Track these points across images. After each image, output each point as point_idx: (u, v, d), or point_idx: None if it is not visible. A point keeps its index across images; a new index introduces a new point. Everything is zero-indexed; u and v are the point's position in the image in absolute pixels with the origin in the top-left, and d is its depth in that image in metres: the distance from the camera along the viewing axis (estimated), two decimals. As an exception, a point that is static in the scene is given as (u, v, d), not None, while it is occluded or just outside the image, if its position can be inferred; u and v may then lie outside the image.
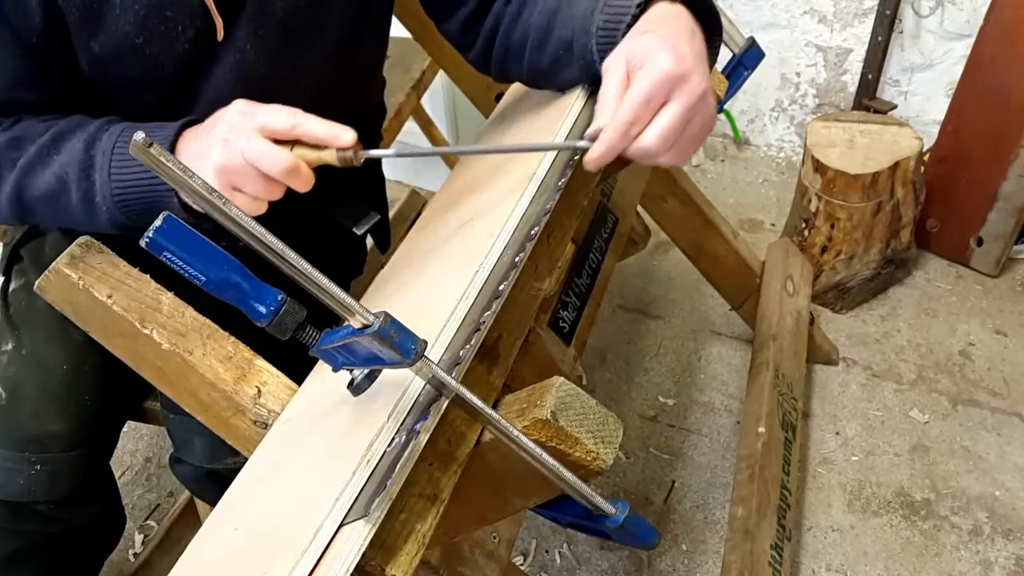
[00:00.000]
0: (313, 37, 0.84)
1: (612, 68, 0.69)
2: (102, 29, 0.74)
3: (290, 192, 0.99)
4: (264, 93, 0.83)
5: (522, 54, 0.85)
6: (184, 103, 0.81)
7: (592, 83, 0.83)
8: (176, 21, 0.76)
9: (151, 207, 0.70)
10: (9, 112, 0.76)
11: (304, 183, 0.68)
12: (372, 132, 1.14)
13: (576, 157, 0.75)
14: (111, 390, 0.93)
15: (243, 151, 0.65)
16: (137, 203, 0.71)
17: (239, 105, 0.68)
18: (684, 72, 0.65)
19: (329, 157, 0.68)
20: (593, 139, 0.68)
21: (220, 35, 0.78)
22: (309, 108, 0.87)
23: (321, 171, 1.06)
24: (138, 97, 0.79)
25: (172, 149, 0.69)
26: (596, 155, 0.68)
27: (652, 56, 0.66)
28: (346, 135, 0.67)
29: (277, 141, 0.66)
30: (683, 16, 0.72)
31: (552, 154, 0.75)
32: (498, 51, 0.89)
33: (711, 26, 0.76)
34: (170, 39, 0.77)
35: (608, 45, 0.75)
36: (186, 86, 0.80)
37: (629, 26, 0.73)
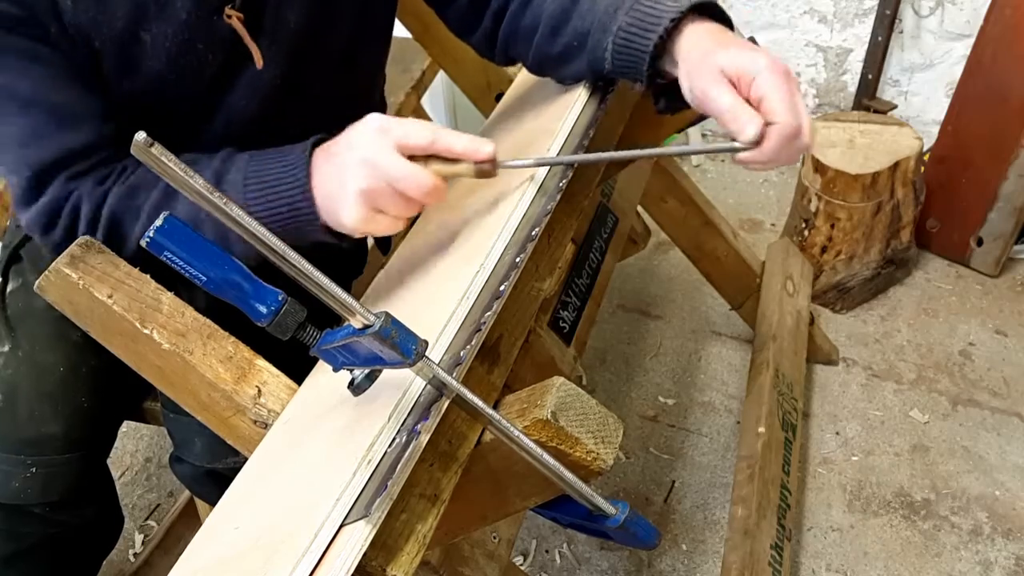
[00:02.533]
0: (322, 45, 0.84)
1: (712, 86, 0.69)
2: (135, 70, 0.75)
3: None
4: (274, 102, 0.83)
5: (531, 39, 0.85)
6: (200, 118, 0.82)
7: (595, 80, 0.83)
8: (207, 51, 0.77)
9: (291, 232, 0.69)
10: (98, 160, 0.75)
11: (442, 198, 0.67)
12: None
13: (577, 156, 0.75)
14: (108, 392, 0.93)
15: (386, 174, 0.64)
16: (278, 228, 0.68)
17: (376, 121, 0.66)
18: (779, 61, 0.68)
19: (465, 170, 0.67)
20: (754, 140, 0.66)
21: (259, 63, 0.79)
22: (315, 111, 0.87)
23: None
24: (159, 119, 0.79)
25: (308, 172, 0.68)
26: (766, 155, 0.67)
27: (753, 60, 0.67)
28: (485, 148, 0.66)
29: (411, 157, 0.65)
30: (728, 31, 0.74)
31: (553, 154, 0.75)
32: (504, 34, 0.89)
33: None
34: (200, 69, 0.77)
35: (626, 47, 0.76)
36: (206, 104, 0.81)
37: (661, 38, 0.73)
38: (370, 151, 0.64)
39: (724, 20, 0.76)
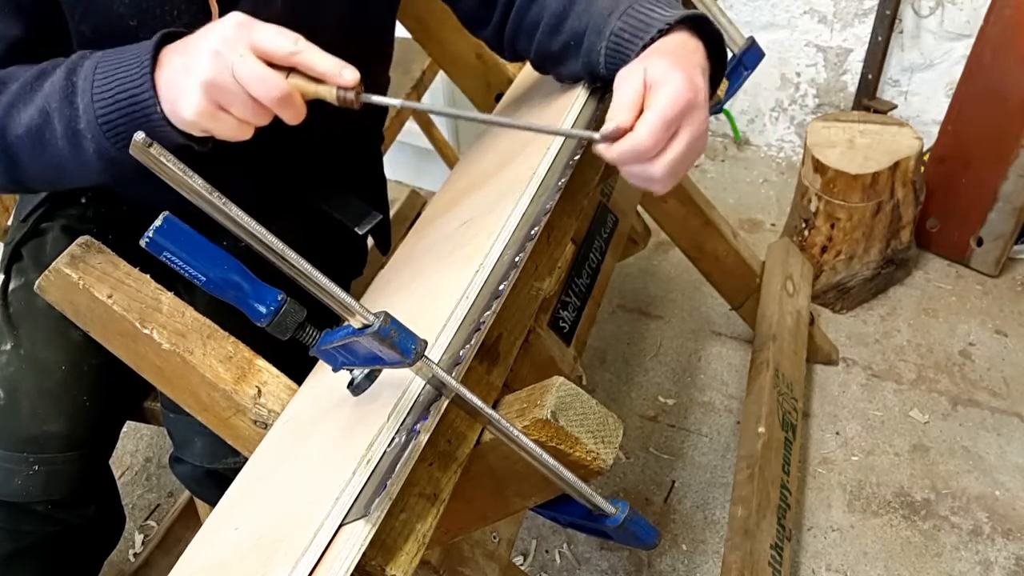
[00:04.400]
0: (311, 31, 0.84)
1: (629, 77, 0.69)
2: (95, 11, 0.74)
3: (293, 190, 0.99)
4: None
5: (533, 34, 0.86)
6: None
7: (591, 81, 0.83)
8: (172, 5, 0.75)
9: (137, 125, 0.65)
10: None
11: (296, 115, 0.64)
12: (375, 130, 1.14)
13: (577, 156, 0.76)
14: (110, 391, 0.93)
15: (234, 68, 0.61)
16: (122, 121, 0.66)
17: (236, 16, 0.63)
18: (698, 103, 0.67)
19: (327, 93, 0.64)
20: (608, 137, 0.67)
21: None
22: (310, 105, 0.86)
23: (324, 170, 1.06)
24: None
25: (155, 62, 0.64)
26: (611, 156, 0.68)
27: (671, 79, 0.67)
28: (349, 73, 0.64)
29: (271, 65, 0.62)
30: (699, 53, 0.73)
31: (552, 154, 0.75)
32: (511, 27, 0.89)
33: (716, 66, 0.77)
34: (164, 23, 0.75)
35: (617, 52, 0.76)
36: None
37: (646, 45, 0.73)
38: (222, 44, 0.61)
39: (714, 36, 0.76)
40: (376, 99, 0.66)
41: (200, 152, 0.69)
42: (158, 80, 0.64)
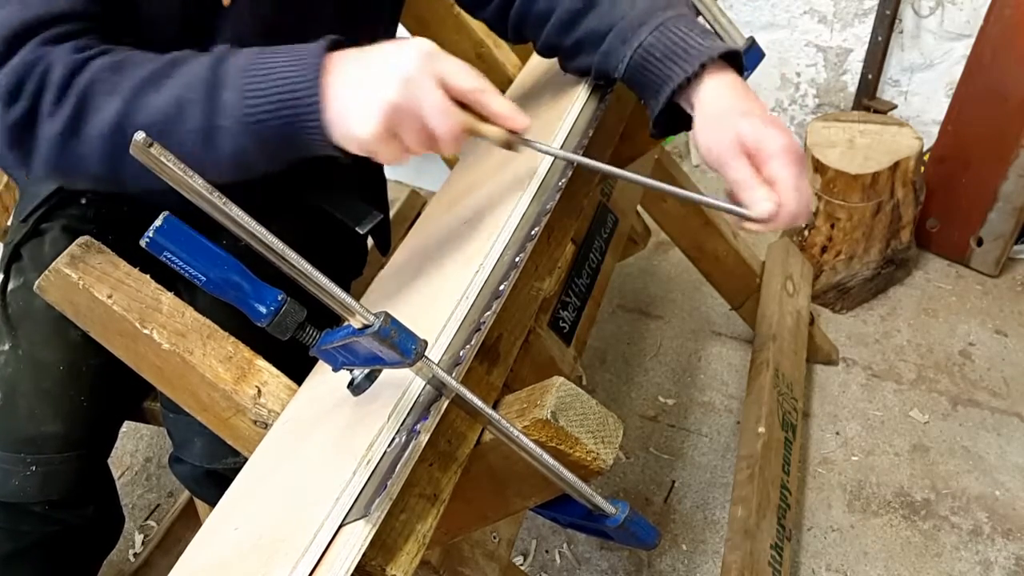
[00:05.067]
0: (311, 18, 0.83)
1: (728, 152, 0.70)
2: None
3: (293, 189, 0.99)
4: None
5: (542, 25, 0.85)
6: None
7: (597, 78, 0.83)
8: None
9: (288, 127, 0.63)
10: (80, 29, 0.67)
11: (455, 151, 0.64)
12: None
13: (577, 156, 0.75)
14: (108, 391, 0.93)
15: (422, 98, 0.60)
16: (273, 121, 0.62)
17: (425, 45, 0.62)
18: (794, 142, 0.70)
19: (492, 134, 0.65)
20: (765, 220, 0.69)
21: (226, 1, 0.75)
22: None
23: (324, 170, 1.06)
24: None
25: (321, 65, 0.62)
26: (768, 228, 0.70)
27: (775, 141, 0.69)
28: (522, 119, 0.65)
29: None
30: (742, 82, 0.75)
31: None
32: (516, 14, 0.89)
33: None
34: (167, 7, 0.74)
35: (644, 67, 0.76)
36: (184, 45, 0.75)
37: (688, 79, 0.74)
38: (413, 70, 0.60)
39: (740, 68, 0.77)
40: (538, 145, 0.68)
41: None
42: (326, 86, 0.62)
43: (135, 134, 0.46)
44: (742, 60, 0.76)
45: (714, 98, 0.73)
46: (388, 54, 0.62)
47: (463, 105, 0.64)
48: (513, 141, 0.66)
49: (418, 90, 0.61)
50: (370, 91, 0.61)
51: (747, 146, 0.70)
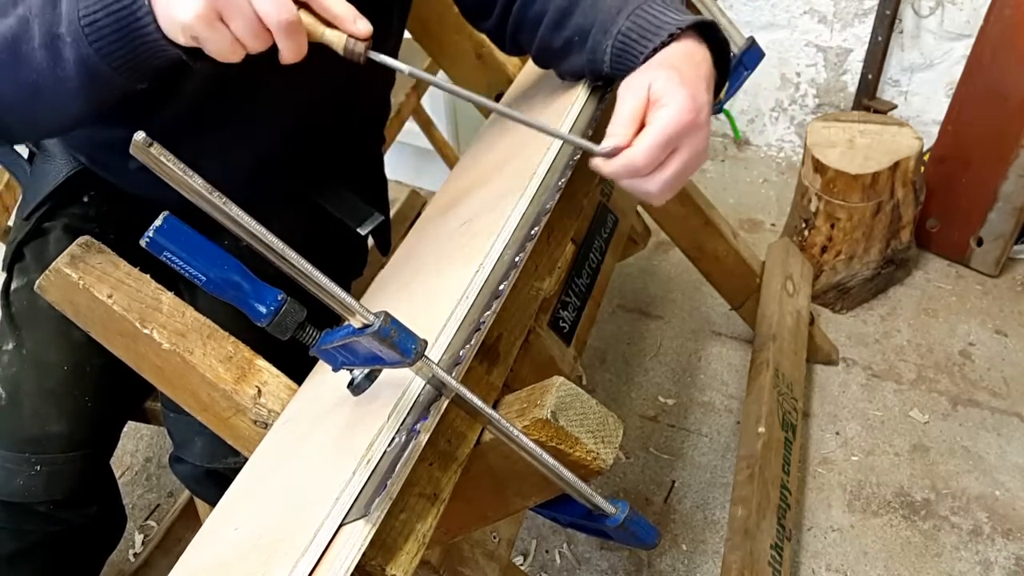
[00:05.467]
0: None
1: (632, 91, 0.69)
2: None
3: (294, 189, 0.99)
4: (269, 64, 0.80)
5: (536, 29, 0.85)
6: (179, 71, 0.79)
7: (593, 79, 0.83)
8: None
9: (125, 30, 0.61)
10: None
11: (296, 49, 0.61)
12: (377, 129, 1.14)
13: (577, 156, 0.75)
14: (111, 391, 0.93)
15: None
16: (107, 22, 0.61)
17: None
18: (699, 123, 0.67)
19: (335, 39, 0.62)
20: (606, 153, 0.68)
21: None
22: (310, 93, 0.84)
23: (324, 169, 1.06)
24: None
25: None
26: (607, 171, 0.69)
27: (675, 98, 0.67)
28: (363, 24, 0.62)
29: None
30: (706, 63, 0.73)
31: (552, 154, 0.75)
32: (513, 21, 0.88)
33: (720, 74, 0.77)
34: None
35: (624, 53, 0.76)
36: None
37: (656, 49, 0.73)
38: None
39: (721, 43, 0.76)
40: (383, 59, 0.64)
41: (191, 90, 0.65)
42: None
43: (135, 134, 0.46)
44: (718, 32, 0.75)
45: (663, 54, 0.73)
46: None
47: (305, 8, 0.62)
48: (354, 48, 0.62)
49: None
50: None
51: (651, 95, 0.69)
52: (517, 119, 0.71)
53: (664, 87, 0.68)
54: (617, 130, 0.68)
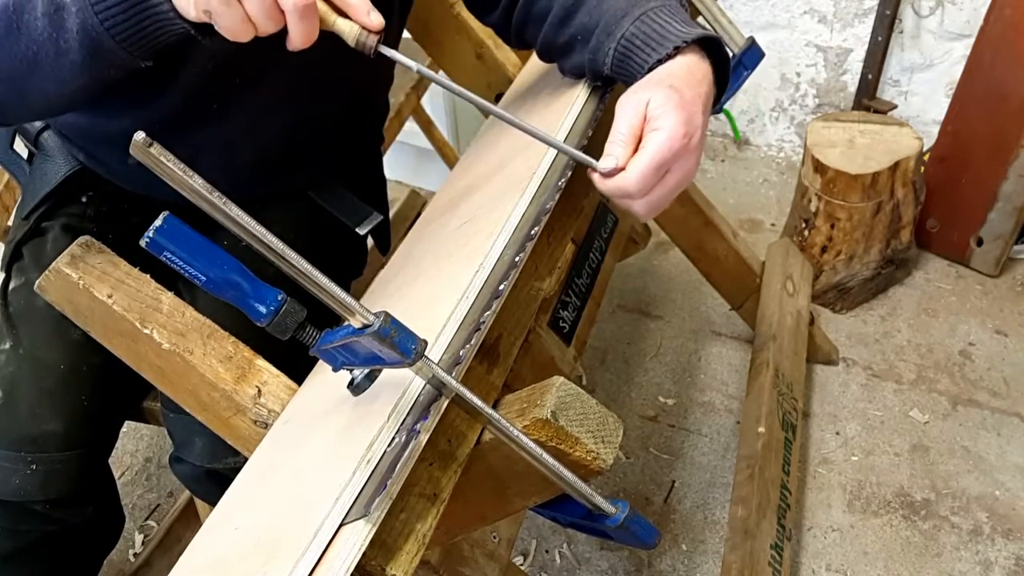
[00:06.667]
0: None
1: (631, 108, 0.70)
2: None
3: (293, 189, 0.99)
4: (271, 58, 0.79)
5: (541, 24, 0.85)
6: (179, 60, 0.78)
7: (593, 78, 0.83)
8: None
9: (133, 1, 0.61)
10: None
11: (308, 33, 0.60)
12: (376, 128, 1.14)
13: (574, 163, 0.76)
14: (109, 390, 0.93)
15: None
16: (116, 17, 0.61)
17: None
18: (690, 148, 0.68)
19: (347, 29, 0.62)
20: (605, 172, 0.69)
21: None
22: (311, 89, 0.83)
23: (324, 168, 1.06)
24: None
25: None
26: (602, 189, 0.70)
27: (669, 121, 0.67)
28: (376, 16, 0.62)
29: None
30: (707, 81, 0.74)
31: (552, 154, 0.75)
32: (518, 16, 0.89)
33: (719, 88, 0.77)
34: None
35: (626, 58, 0.76)
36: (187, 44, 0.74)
37: (661, 60, 0.73)
38: None
39: (723, 59, 0.76)
40: (392, 53, 0.64)
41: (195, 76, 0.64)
42: None
43: (135, 134, 0.46)
44: (722, 48, 0.76)
45: (665, 70, 0.73)
46: None
47: None
48: (365, 41, 0.62)
49: None
50: None
51: (647, 112, 0.69)
52: (518, 125, 0.71)
53: (661, 108, 0.68)
54: (615, 149, 0.69)
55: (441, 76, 0.71)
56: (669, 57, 0.73)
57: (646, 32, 0.75)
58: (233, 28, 0.60)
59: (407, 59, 0.66)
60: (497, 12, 0.91)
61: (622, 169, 0.68)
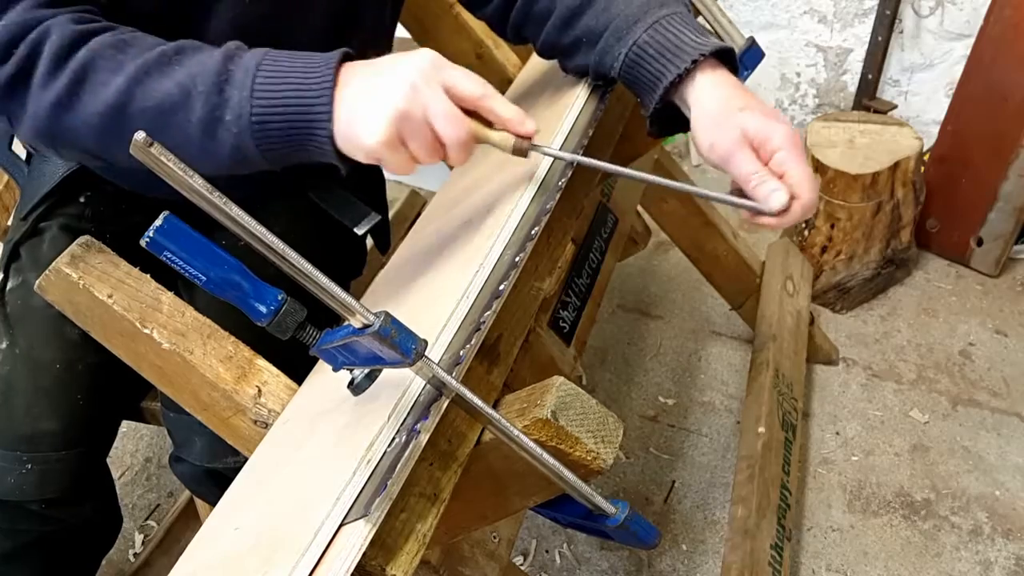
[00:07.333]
0: (295, 25, 0.83)
1: (738, 145, 0.70)
2: None
3: (293, 189, 0.99)
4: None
5: (542, 25, 0.85)
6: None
7: (596, 79, 0.83)
8: None
9: (295, 138, 0.64)
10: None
11: (465, 160, 0.64)
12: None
13: (577, 156, 0.76)
14: (105, 390, 0.93)
15: (428, 106, 0.61)
16: (279, 126, 0.63)
17: (429, 55, 0.63)
18: (796, 133, 0.70)
19: (500, 140, 0.65)
20: (782, 209, 0.69)
21: None
22: None
23: (323, 168, 1.06)
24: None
25: (335, 76, 0.63)
26: (792, 220, 0.70)
27: (778, 132, 0.69)
28: (530, 123, 0.65)
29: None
30: (738, 82, 0.75)
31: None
32: (517, 14, 0.88)
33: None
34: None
35: (638, 64, 0.76)
36: (179, 28, 0.74)
37: (680, 76, 0.73)
38: (419, 78, 0.61)
39: (734, 66, 0.76)
40: (548, 151, 0.68)
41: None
42: (337, 97, 0.63)
43: (135, 133, 0.46)
44: (736, 58, 0.76)
45: (710, 95, 0.73)
46: (396, 64, 0.63)
47: (470, 113, 0.65)
48: (521, 146, 0.66)
49: (425, 97, 0.62)
50: (379, 99, 0.61)
51: (751, 139, 0.70)
52: (703, 195, 0.74)
53: (760, 128, 0.70)
54: (770, 183, 0.68)
55: (592, 161, 0.73)
56: (688, 72, 0.73)
57: (660, 41, 0.75)
58: (401, 168, 0.64)
59: (563, 152, 0.70)
60: (490, 7, 0.91)
61: (789, 196, 0.68)
